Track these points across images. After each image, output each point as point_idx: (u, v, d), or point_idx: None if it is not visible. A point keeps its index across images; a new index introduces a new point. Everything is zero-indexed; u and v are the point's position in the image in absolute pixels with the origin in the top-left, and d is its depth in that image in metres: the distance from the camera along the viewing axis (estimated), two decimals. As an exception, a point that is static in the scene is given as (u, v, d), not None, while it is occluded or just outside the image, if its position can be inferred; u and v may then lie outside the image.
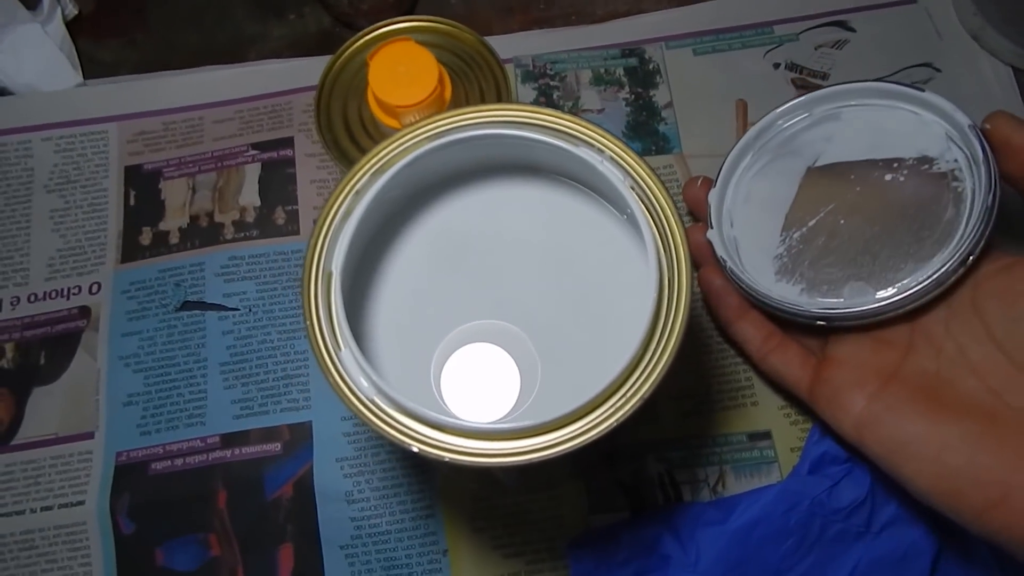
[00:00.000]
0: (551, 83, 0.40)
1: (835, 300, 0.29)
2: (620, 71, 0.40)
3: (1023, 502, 0.23)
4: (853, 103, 0.31)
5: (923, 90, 0.29)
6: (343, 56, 0.31)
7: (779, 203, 0.32)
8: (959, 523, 0.25)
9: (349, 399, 0.21)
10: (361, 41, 0.31)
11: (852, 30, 0.40)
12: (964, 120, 0.28)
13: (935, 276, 0.26)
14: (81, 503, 0.33)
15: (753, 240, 0.32)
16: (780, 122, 0.33)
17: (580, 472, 0.33)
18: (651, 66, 0.40)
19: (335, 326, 0.22)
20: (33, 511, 0.34)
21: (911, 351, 0.28)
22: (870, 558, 0.30)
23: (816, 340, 0.31)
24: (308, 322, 0.22)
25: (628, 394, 0.21)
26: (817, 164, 0.31)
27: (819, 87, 0.40)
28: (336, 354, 0.22)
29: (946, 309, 0.27)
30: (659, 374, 0.21)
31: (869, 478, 0.30)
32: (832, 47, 0.40)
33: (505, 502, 0.33)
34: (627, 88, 0.39)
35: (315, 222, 0.23)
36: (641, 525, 0.31)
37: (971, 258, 0.26)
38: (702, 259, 0.33)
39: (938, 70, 0.39)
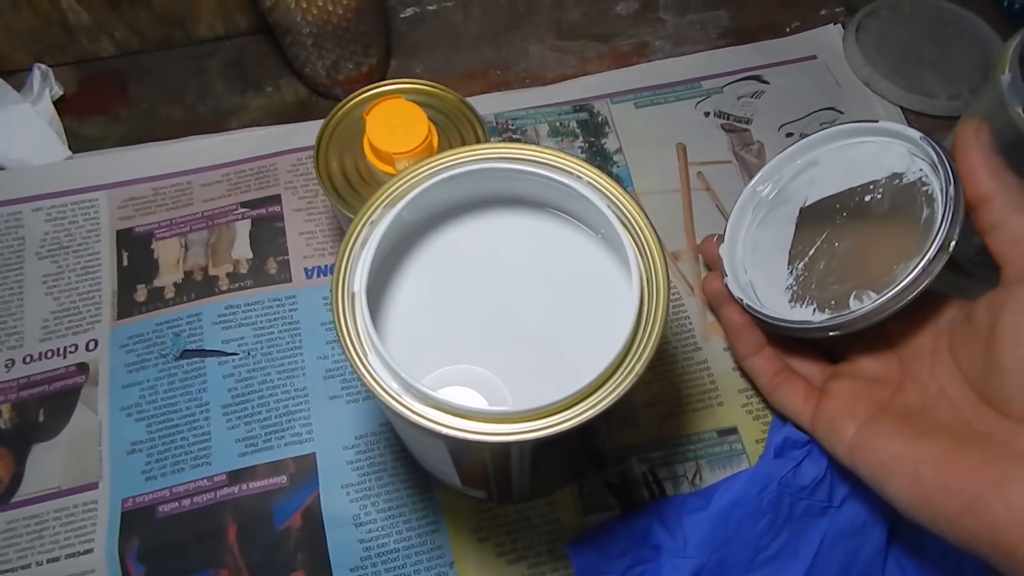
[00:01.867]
0: (514, 136, 0.44)
1: (843, 311, 0.31)
2: (573, 124, 0.45)
3: (986, 508, 0.25)
4: (823, 149, 0.35)
5: (877, 121, 0.34)
6: (336, 115, 0.35)
7: (782, 244, 0.35)
8: (940, 535, 0.27)
9: (382, 395, 0.24)
10: (353, 102, 0.35)
11: (766, 83, 0.47)
12: (915, 134, 0.31)
13: (921, 265, 0.28)
14: (89, 551, 0.34)
15: (766, 280, 0.36)
16: (759, 188, 0.37)
17: (574, 476, 0.35)
18: (600, 118, 0.45)
19: (362, 337, 0.25)
20: (39, 564, 0.34)
21: (900, 390, 0.31)
22: (835, 530, 0.34)
23: (819, 375, 0.35)
24: (339, 333, 0.25)
25: (623, 375, 0.24)
26: (807, 204, 0.35)
27: (745, 130, 0.46)
28: (366, 359, 0.25)
29: (931, 356, 0.31)
30: (647, 357, 0.25)
31: (826, 457, 0.34)
32: (751, 97, 0.46)
33: (506, 511, 0.35)
34: (581, 138, 0.45)
35: (339, 249, 0.26)
36: (632, 519, 0.34)
37: (952, 244, 0.28)
38: (720, 301, 0.37)
39: (840, 112, 0.46)
